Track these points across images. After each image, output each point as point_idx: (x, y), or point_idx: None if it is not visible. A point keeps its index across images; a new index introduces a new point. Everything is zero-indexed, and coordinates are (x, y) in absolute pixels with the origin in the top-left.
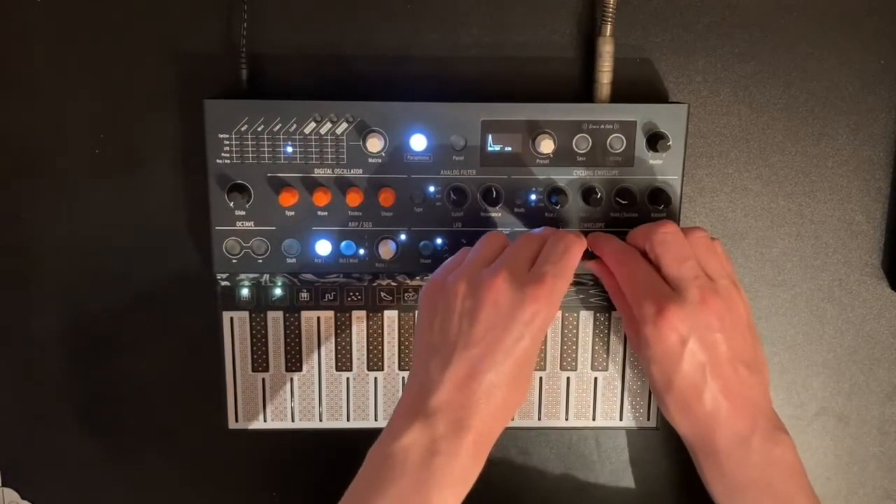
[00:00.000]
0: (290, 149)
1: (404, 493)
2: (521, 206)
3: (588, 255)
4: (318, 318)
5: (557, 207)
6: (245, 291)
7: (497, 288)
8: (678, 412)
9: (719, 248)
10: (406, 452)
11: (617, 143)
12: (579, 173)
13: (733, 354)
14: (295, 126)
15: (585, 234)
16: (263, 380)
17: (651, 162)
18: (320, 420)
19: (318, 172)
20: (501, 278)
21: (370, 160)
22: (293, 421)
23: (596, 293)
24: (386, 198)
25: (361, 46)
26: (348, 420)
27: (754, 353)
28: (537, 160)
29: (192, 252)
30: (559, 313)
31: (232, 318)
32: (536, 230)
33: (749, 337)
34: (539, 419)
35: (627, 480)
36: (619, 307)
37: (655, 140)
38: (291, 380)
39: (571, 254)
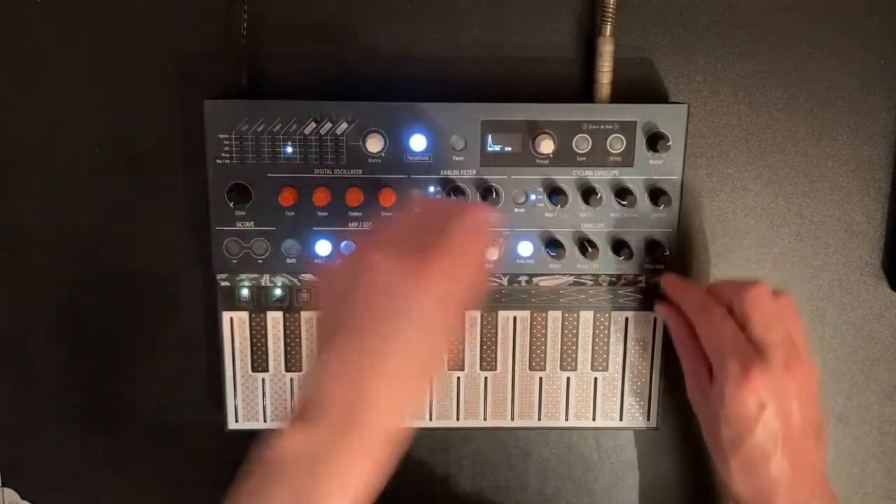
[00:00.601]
0: (290, 149)
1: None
2: (521, 206)
3: (651, 290)
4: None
5: (557, 207)
6: (245, 292)
7: (379, 269)
8: (741, 474)
9: (800, 316)
10: (286, 458)
11: (617, 143)
12: (579, 173)
13: (805, 423)
14: (295, 126)
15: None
16: (263, 380)
17: (651, 162)
18: None
19: (318, 172)
20: (382, 258)
21: (370, 160)
22: None
23: (596, 293)
24: (386, 198)
25: (361, 46)
26: None
27: (821, 421)
28: (537, 160)
29: (192, 252)
30: (559, 313)
31: (232, 319)
32: (429, 200)
33: (819, 407)
34: (539, 419)
35: (627, 480)
36: (684, 356)
37: (655, 140)
38: (291, 380)
39: (458, 230)
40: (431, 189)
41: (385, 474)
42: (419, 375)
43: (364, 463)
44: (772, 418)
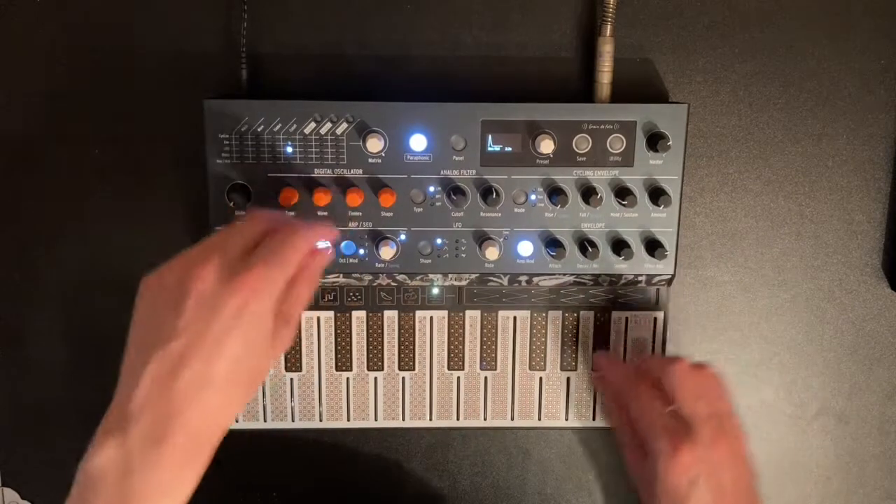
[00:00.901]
0: (290, 149)
1: None
2: (521, 206)
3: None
4: (318, 318)
5: (557, 207)
6: None
7: (202, 277)
8: None
9: (725, 386)
10: (102, 471)
11: (617, 143)
12: (579, 173)
13: (736, 491)
14: (295, 126)
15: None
16: (264, 380)
17: (651, 162)
18: (320, 420)
19: (318, 172)
20: (209, 267)
21: (370, 160)
22: (293, 421)
23: (596, 293)
24: (386, 198)
25: (361, 46)
26: (348, 420)
27: (752, 487)
28: (537, 160)
29: None
30: (559, 313)
31: None
32: (262, 212)
33: (750, 472)
34: (539, 419)
35: (627, 480)
36: (619, 431)
37: (655, 140)
38: (291, 380)
39: (287, 247)
40: (431, 189)
41: (199, 479)
42: (242, 386)
43: (178, 473)
44: (704, 493)
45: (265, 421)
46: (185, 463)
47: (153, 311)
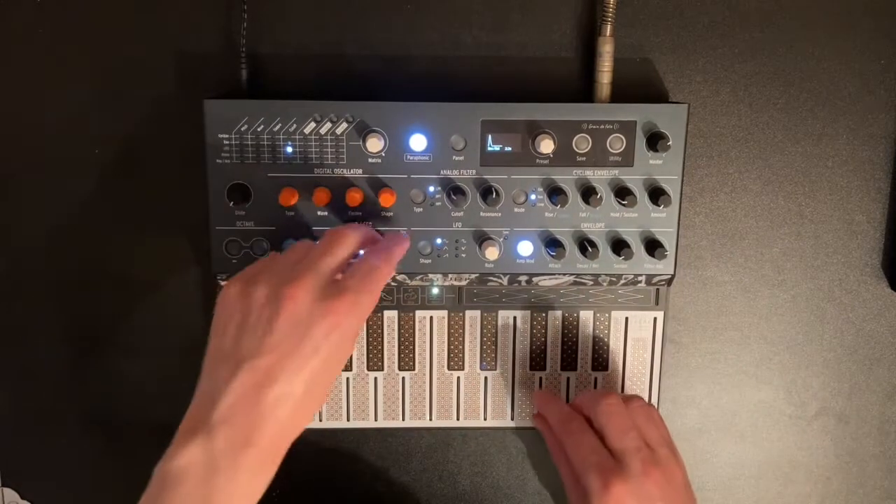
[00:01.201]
0: (290, 149)
1: None
2: (521, 206)
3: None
4: None
5: (557, 207)
6: None
7: (297, 298)
8: None
9: (656, 415)
10: (184, 471)
11: (617, 143)
12: (579, 173)
13: None
14: (295, 126)
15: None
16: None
17: (651, 162)
18: (320, 420)
19: (318, 172)
20: (303, 289)
21: (370, 160)
22: None
23: (596, 293)
24: (386, 198)
25: (361, 46)
26: (348, 420)
27: None
28: (537, 160)
29: (192, 252)
30: (559, 313)
31: None
32: (349, 229)
33: (686, 498)
34: None
35: None
36: (560, 468)
37: (655, 140)
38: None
39: (378, 274)
40: (431, 189)
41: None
42: (313, 402)
43: (255, 478)
44: None
45: None
46: (262, 469)
47: (241, 322)
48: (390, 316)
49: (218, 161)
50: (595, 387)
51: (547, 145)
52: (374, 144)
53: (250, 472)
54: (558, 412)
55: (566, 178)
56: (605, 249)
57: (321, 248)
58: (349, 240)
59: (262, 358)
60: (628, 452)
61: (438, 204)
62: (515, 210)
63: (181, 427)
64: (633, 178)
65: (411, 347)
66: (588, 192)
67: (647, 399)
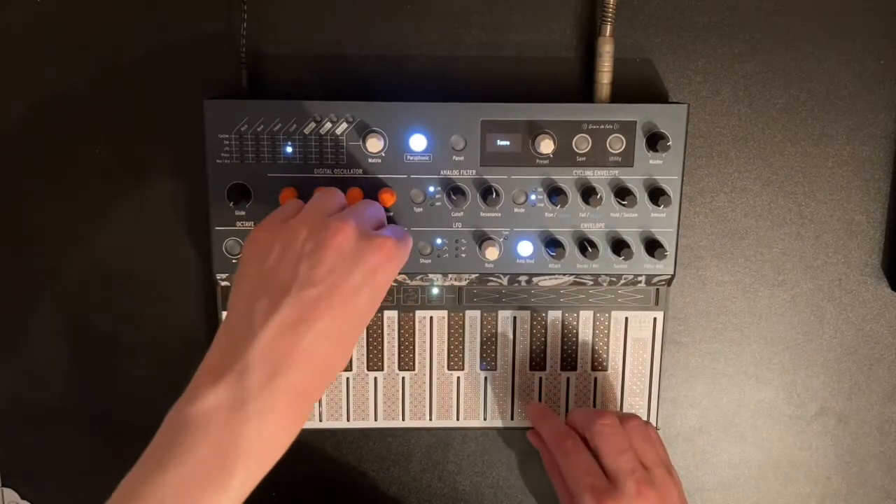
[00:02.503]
0: (290, 149)
1: (204, 464)
2: (521, 206)
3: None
4: None
5: (557, 207)
6: None
7: (344, 232)
8: None
9: (653, 434)
10: (208, 415)
11: (617, 143)
12: (579, 173)
13: None
14: (295, 126)
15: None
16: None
17: (651, 162)
18: (320, 420)
19: (318, 172)
20: (349, 224)
21: (370, 160)
22: None
23: (596, 293)
24: (386, 198)
25: (361, 46)
26: (348, 420)
27: None
28: (537, 160)
29: (192, 252)
30: (559, 313)
31: None
32: (368, 201)
33: None
34: None
35: None
36: (555, 484)
37: (655, 140)
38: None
39: (407, 238)
40: (431, 189)
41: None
42: (347, 346)
43: (287, 423)
44: None
45: None
46: (294, 414)
47: (281, 255)
48: (390, 316)
49: (218, 161)
50: (595, 387)
51: (547, 145)
52: (374, 144)
53: (280, 419)
54: (553, 430)
55: (566, 178)
56: (605, 249)
57: (359, 205)
58: (381, 209)
59: (310, 289)
60: (623, 474)
61: (438, 204)
62: (515, 210)
63: (201, 369)
64: (633, 179)
65: (411, 347)
66: (588, 193)
67: (646, 399)
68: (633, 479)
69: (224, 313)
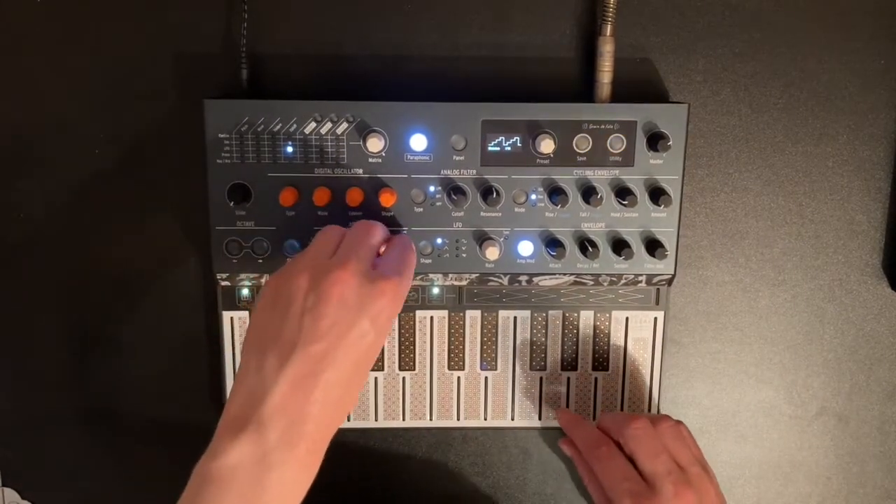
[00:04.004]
0: (290, 149)
1: None
2: (521, 206)
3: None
4: None
5: (557, 207)
6: (245, 291)
7: (344, 282)
8: None
9: (685, 433)
10: (233, 470)
11: (617, 143)
12: (579, 173)
13: None
14: (295, 126)
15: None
16: None
17: (651, 162)
18: None
19: (318, 172)
20: (349, 272)
21: (370, 160)
22: None
23: (596, 293)
24: (386, 198)
25: (361, 46)
26: (348, 420)
27: None
28: (537, 160)
29: (192, 252)
30: (560, 313)
31: (232, 318)
32: (373, 222)
33: None
34: (539, 419)
35: None
36: (591, 490)
37: (655, 140)
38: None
39: (411, 260)
40: (432, 189)
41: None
42: (356, 388)
43: (305, 471)
44: None
45: None
46: (312, 461)
47: (286, 310)
48: None
49: (218, 161)
50: (595, 387)
51: (547, 145)
52: (375, 144)
53: (301, 465)
54: (587, 437)
55: (566, 178)
56: (605, 249)
57: (357, 236)
58: (378, 230)
59: (315, 344)
60: (660, 476)
61: (439, 204)
62: (516, 210)
63: (223, 423)
64: (633, 178)
65: (412, 347)
66: (588, 192)
67: (646, 399)
68: (670, 480)
69: (224, 313)
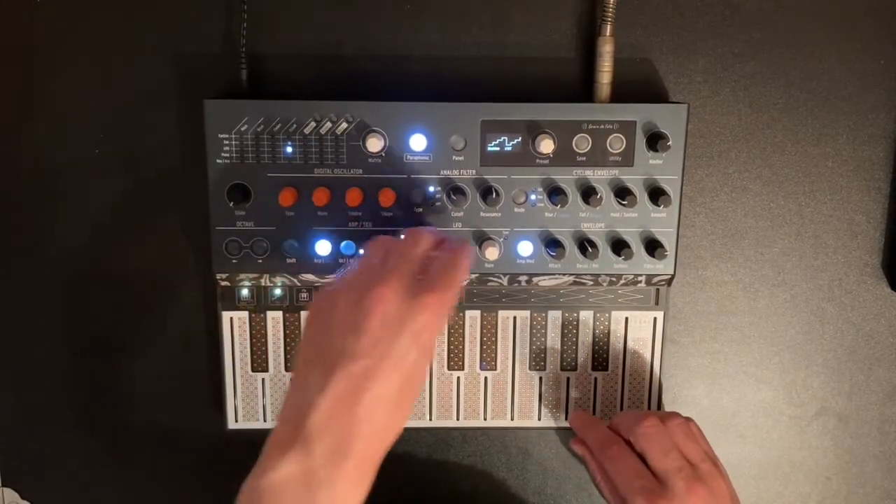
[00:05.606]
0: (290, 149)
1: None
2: (521, 206)
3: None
4: None
5: (557, 207)
6: (245, 291)
7: (386, 299)
8: None
9: (695, 430)
10: (282, 487)
11: (617, 143)
12: (579, 173)
13: None
14: (295, 126)
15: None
16: (263, 380)
17: (651, 162)
18: None
19: (318, 172)
20: (391, 289)
21: (370, 160)
22: None
23: (596, 293)
24: (386, 198)
25: (361, 46)
26: None
27: None
28: (537, 160)
29: (192, 252)
30: (559, 313)
31: (232, 318)
32: (423, 230)
33: None
34: (539, 419)
35: None
36: (603, 490)
37: (655, 140)
38: (291, 380)
39: (457, 272)
40: (431, 189)
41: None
42: (405, 406)
43: (355, 489)
44: None
45: (265, 421)
46: (361, 478)
47: (330, 328)
48: None
49: (218, 161)
50: (595, 387)
51: (547, 145)
52: (374, 144)
53: (350, 483)
54: (598, 437)
55: (566, 178)
56: (605, 249)
57: (401, 248)
58: (425, 239)
59: (358, 361)
60: (671, 473)
61: (438, 204)
62: (515, 210)
63: (271, 440)
64: (633, 178)
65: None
66: (588, 192)
67: (646, 399)
68: (682, 477)
69: (224, 313)
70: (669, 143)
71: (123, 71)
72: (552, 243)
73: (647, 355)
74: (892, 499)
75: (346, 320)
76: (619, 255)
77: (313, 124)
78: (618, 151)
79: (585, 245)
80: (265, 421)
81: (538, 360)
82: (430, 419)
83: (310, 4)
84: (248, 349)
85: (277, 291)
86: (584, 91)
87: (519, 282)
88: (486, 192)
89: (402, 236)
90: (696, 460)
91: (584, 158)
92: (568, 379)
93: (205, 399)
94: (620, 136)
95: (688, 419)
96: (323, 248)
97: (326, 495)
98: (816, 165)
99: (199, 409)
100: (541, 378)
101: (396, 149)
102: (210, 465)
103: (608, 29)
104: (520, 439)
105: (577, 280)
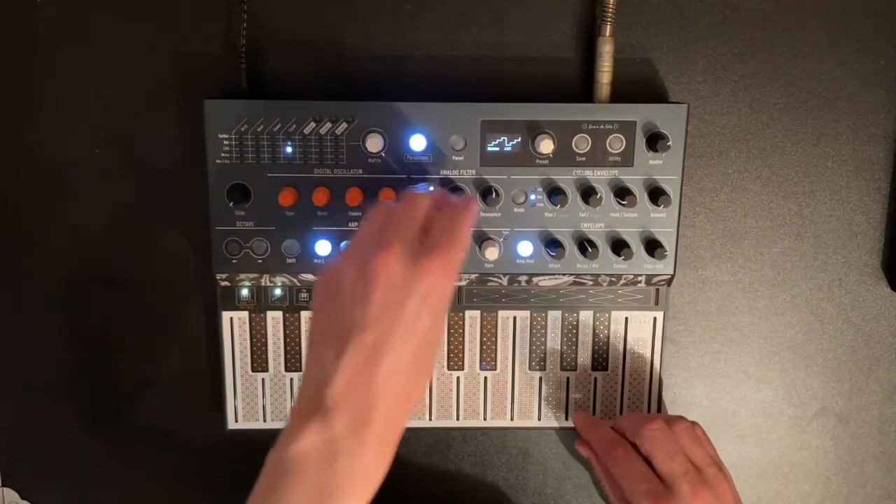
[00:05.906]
0: (290, 149)
1: (307, 502)
2: (520, 206)
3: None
4: None
5: (557, 207)
6: (245, 291)
7: (388, 265)
8: None
9: (700, 434)
10: (305, 457)
11: (617, 143)
12: (579, 173)
13: None
14: (295, 126)
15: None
16: (263, 380)
17: (651, 162)
18: None
19: (318, 172)
20: (392, 254)
21: (370, 160)
22: None
23: (596, 293)
24: (386, 198)
25: (361, 46)
26: None
27: None
28: (537, 160)
29: (192, 252)
30: (559, 313)
31: (232, 318)
32: (419, 188)
33: None
34: (539, 419)
35: None
36: (608, 492)
37: (655, 140)
38: (291, 380)
39: (462, 229)
40: (431, 189)
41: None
42: (423, 372)
43: (379, 457)
44: None
45: (265, 421)
46: (383, 449)
47: (337, 302)
48: None
49: (218, 161)
50: (595, 387)
51: (547, 145)
52: (374, 144)
53: (373, 451)
54: (603, 438)
55: (566, 178)
56: (604, 249)
57: (399, 213)
58: (424, 201)
59: (368, 331)
60: (676, 477)
61: None
62: (515, 210)
63: (295, 409)
64: (632, 178)
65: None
66: (588, 192)
67: (646, 399)
68: (687, 480)
69: (224, 313)
70: (669, 143)
71: (123, 71)
72: (552, 243)
73: (647, 355)
74: (892, 499)
75: (352, 292)
76: (619, 255)
77: (313, 124)
78: (618, 151)
79: (585, 245)
80: (265, 421)
81: (538, 360)
82: (430, 419)
83: (310, 4)
84: (248, 349)
85: (277, 291)
86: (584, 91)
87: (519, 282)
88: (486, 192)
89: (399, 199)
90: (702, 464)
91: (583, 158)
92: (568, 379)
93: (205, 399)
94: (620, 136)
95: (693, 423)
96: (323, 248)
97: (349, 463)
98: (816, 165)
99: (199, 410)
100: (541, 378)
101: (396, 149)
102: (210, 465)
103: (608, 29)
104: (520, 439)
105: (577, 280)
